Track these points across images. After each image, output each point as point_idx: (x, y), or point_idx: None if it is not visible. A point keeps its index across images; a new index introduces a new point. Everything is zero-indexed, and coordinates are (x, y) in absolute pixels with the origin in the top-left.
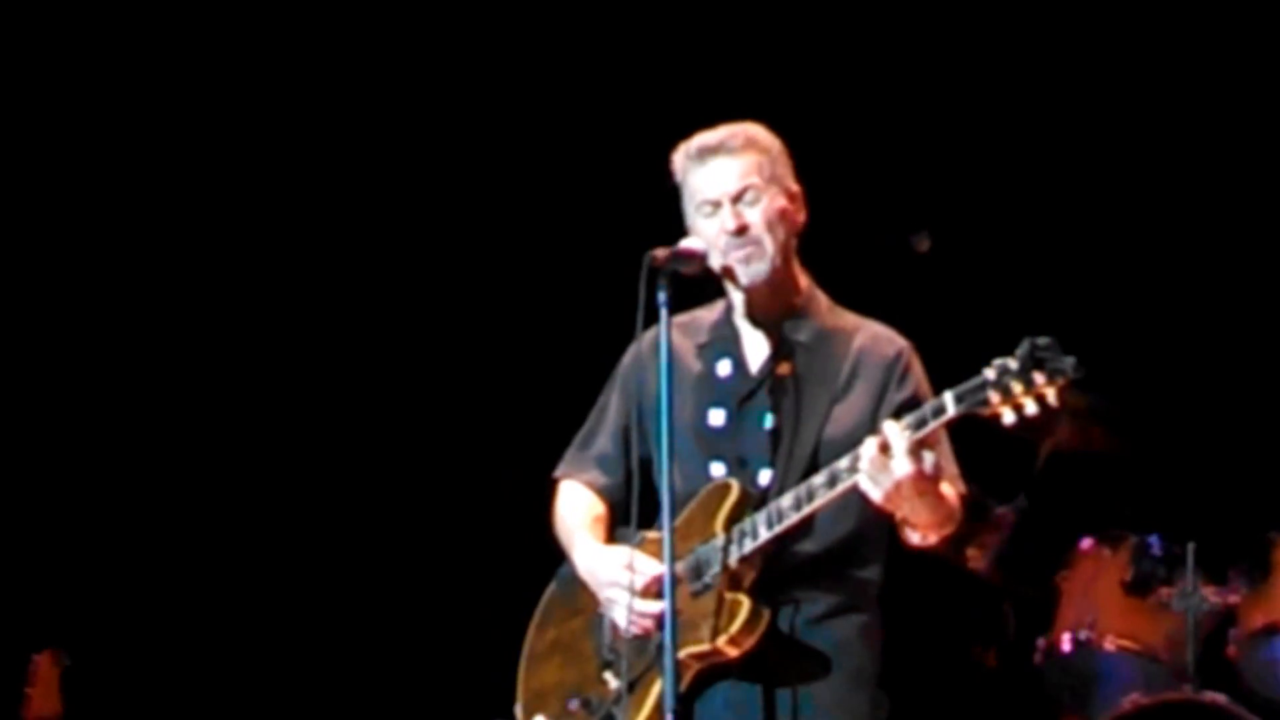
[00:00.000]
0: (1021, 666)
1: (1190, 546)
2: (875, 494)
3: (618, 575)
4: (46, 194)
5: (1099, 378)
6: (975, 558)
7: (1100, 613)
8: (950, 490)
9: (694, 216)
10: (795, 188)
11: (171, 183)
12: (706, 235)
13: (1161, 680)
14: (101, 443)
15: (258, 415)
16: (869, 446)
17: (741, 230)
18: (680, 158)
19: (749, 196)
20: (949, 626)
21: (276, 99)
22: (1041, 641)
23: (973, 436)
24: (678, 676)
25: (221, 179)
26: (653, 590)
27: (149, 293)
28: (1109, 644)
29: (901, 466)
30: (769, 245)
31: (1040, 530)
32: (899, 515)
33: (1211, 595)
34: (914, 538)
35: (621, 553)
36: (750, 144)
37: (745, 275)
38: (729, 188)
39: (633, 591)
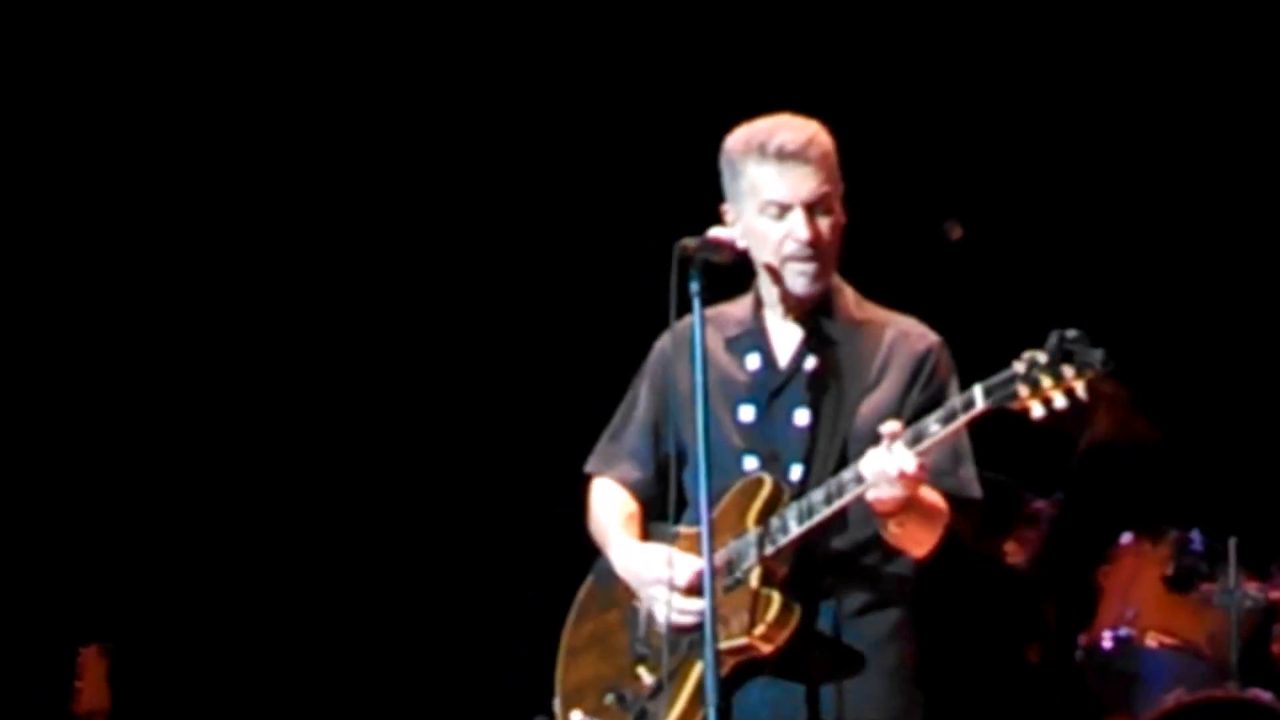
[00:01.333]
0: (1063, 663)
1: (1232, 541)
2: (878, 497)
3: (659, 571)
4: (47, 194)
5: (1139, 369)
6: (1014, 553)
7: (1142, 609)
8: (936, 497)
9: (750, 211)
10: (841, 188)
11: (172, 183)
12: (766, 235)
13: (1204, 677)
14: (145, 440)
15: (301, 409)
16: (879, 455)
17: (815, 241)
18: (744, 148)
19: (821, 208)
20: (989, 623)
21: (282, 102)
22: (1083, 638)
23: (1011, 430)
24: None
25: (225, 179)
26: (695, 586)
27: (179, 292)
28: (1151, 641)
29: (909, 466)
30: (830, 258)
31: (1080, 525)
32: (892, 530)
33: (1254, 591)
34: (909, 553)
35: (660, 550)
36: (825, 153)
37: (806, 289)
38: (806, 197)
39: (674, 588)
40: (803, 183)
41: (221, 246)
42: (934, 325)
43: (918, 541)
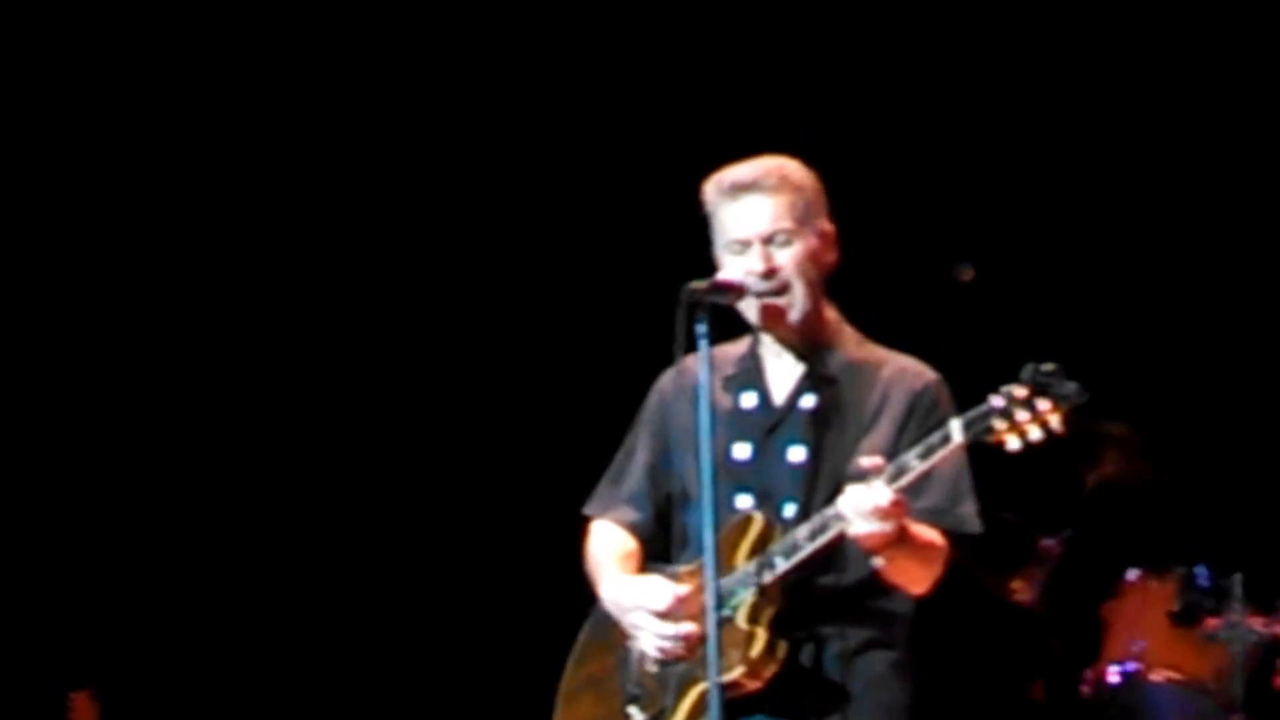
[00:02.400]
0: (1068, 699)
1: (1237, 577)
2: (860, 534)
3: (640, 600)
4: (47, 194)
5: (1143, 408)
6: (1021, 589)
7: (1147, 644)
8: (932, 533)
9: (723, 252)
10: (828, 227)
11: (178, 183)
12: (734, 274)
13: (1210, 712)
14: (136, 485)
15: (290, 450)
16: (860, 493)
17: (770, 273)
18: (712, 190)
19: (779, 239)
20: (996, 659)
21: (283, 109)
22: (1089, 673)
23: (1019, 470)
24: (705, 708)
25: (225, 179)
26: (675, 613)
27: (172, 309)
28: (1156, 675)
29: (882, 500)
30: (798, 289)
31: (1086, 561)
32: (875, 562)
33: (1259, 626)
34: (906, 590)
35: (645, 580)
36: (784, 183)
37: (775, 323)
38: (760, 228)
39: (654, 614)
40: (755, 215)
41: (212, 254)
42: (944, 365)
43: (913, 579)
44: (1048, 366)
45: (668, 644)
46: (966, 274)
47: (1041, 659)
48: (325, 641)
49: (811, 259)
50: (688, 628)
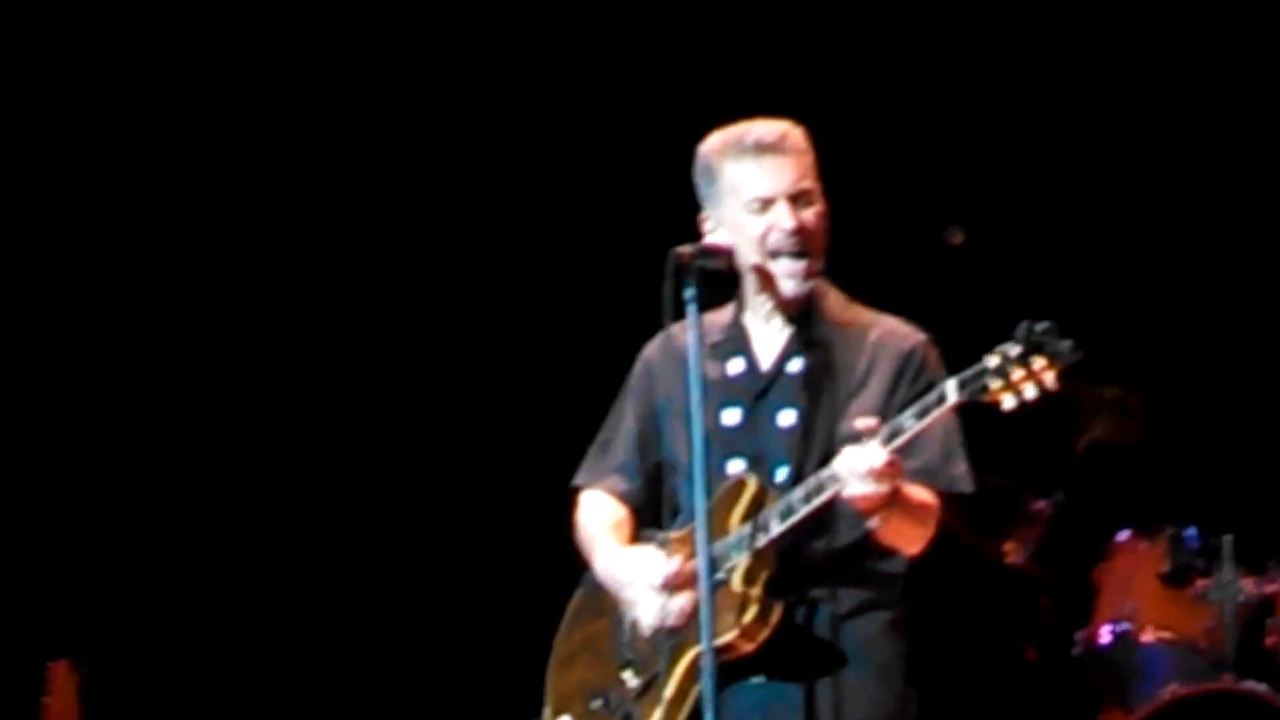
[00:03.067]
0: (1060, 660)
1: (1227, 538)
2: (855, 495)
3: (635, 574)
4: (46, 194)
5: (1134, 370)
6: (1013, 552)
7: (1138, 605)
8: (925, 493)
9: (734, 210)
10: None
11: (175, 183)
12: (750, 232)
13: (1201, 671)
14: (115, 452)
15: (277, 425)
16: (854, 455)
17: (800, 230)
18: (720, 149)
19: (804, 199)
20: (988, 621)
21: (280, 102)
22: (1080, 634)
23: (1009, 431)
24: (699, 672)
25: (227, 182)
26: (670, 586)
27: (160, 300)
28: (1148, 636)
29: (876, 461)
30: (817, 249)
31: (1078, 523)
32: (870, 523)
33: (1249, 586)
34: (901, 551)
35: (640, 552)
36: (801, 145)
37: (795, 288)
38: (787, 187)
39: (651, 588)
40: (783, 174)
41: (196, 258)
42: (934, 328)
43: (907, 539)
44: (1042, 325)
45: (667, 616)
46: (957, 237)
47: (1033, 621)
48: (310, 607)
49: (825, 219)
50: (686, 599)
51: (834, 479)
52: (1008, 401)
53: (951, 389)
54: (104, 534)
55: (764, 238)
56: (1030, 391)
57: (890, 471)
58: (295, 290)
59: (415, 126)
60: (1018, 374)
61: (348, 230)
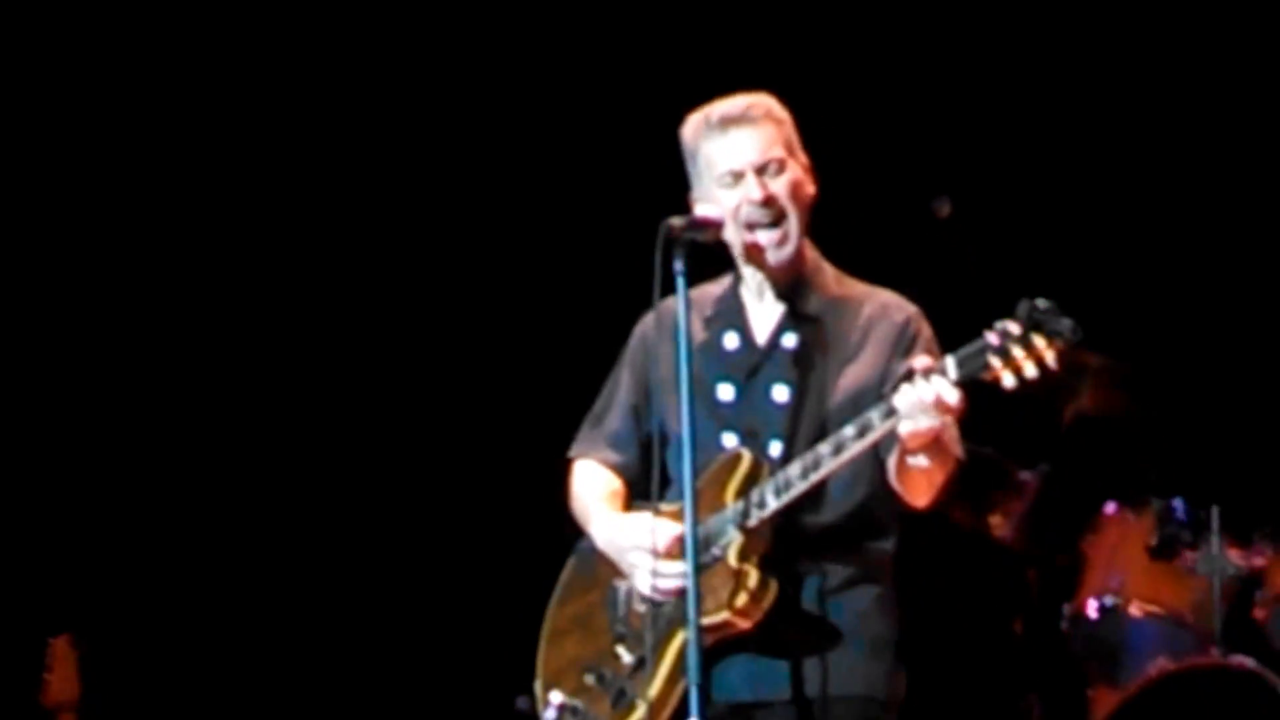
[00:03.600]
0: (1047, 633)
1: (1215, 510)
2: (914, 429)
3: (639, 539)
4: (46, 194)
5: (1122, 340)
6: (999, 525)
7: (1126, 578)
8: (955, 441)
9: (711, 187)
10: (805, 159)
11: (171, 182)
12: (726, 206)
13: (1188, 644)
14: (116, 430)
15: (269, 397)
16: (920, 387)
17: (769, 200)
18: (695, 128)
19: (772, 168)
20: (975, 594)
21: (264, 93)
22: (1067, 608)
23: (996, 402)
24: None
25: (215, 177)
26: (675, 552)
27: (151, 287)
28: (1135, 609)
29: (949, 395)
30: (793, 217)
31: (1064, 496)
32: (912, 458)
33: (1237, 558)
34: (917, 497)
35: (641, 518)
36: (769, 115)
37: (774, 257)
38: (753, 158)
39: (655, 554)
40: (748, 145)
41: (186, 246)
42: (920, 301)
43: (931, 484)
44: (1043, 303)
45: (670, 584)
46: (943, 209)
47: (1019, 594)
48: (304, 581)
49: (801, 189)
50: (682, 568)
51: (889, 413)
52: (1008, 380)
53: (951, 366)
54: (103, 510)
55: (737, 211)
56: (1030, 370)
57: (958, 403)
58: (280, 267)
59: (400, 103)
60: (1018, 352)
61: (334, 204)
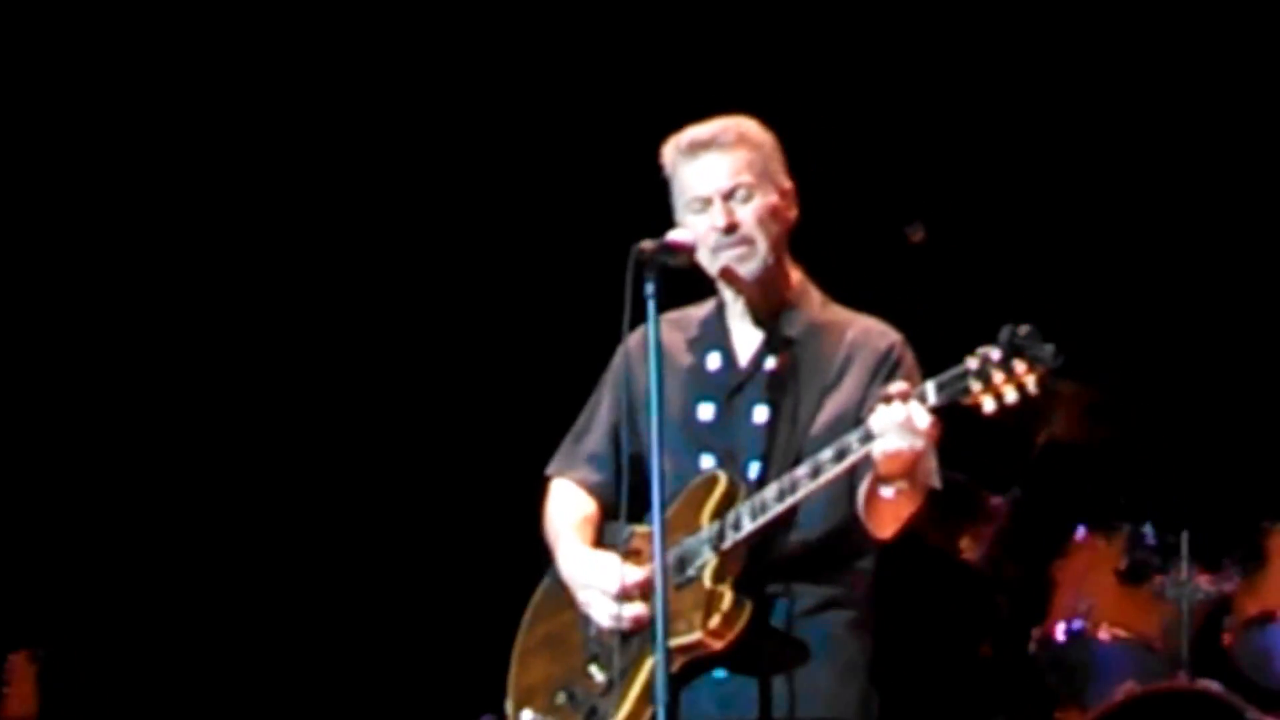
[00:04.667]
0: (1016, 657)
1: (1184, 535)
2: (891, 451)
3: (594, 579)
4: (46, 194)
5: (1094, 368)
6: (969, 548)
7: (1095, 602)
8: (932, 471)
9: (683, 212)
10: (787, 184)
11: (157, 186)
12: (697, 232)
13: (1156, 669)
14: (72, 444)
15: (235, 413)
16: (896, 409)
17: (732, 228)
18: (670, 152)
19: (740, 194)
20: (944, 618)
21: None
22: (1036, 631)
23: (967, 427)
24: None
25: (202, 179)
26: (633, 595)
27: (118, 288)
28: (1103, 633)
29: (920, 419)
30: (761, 243)
31: (1035, 520)
32: (884, 487)
33: (1206, 584)
34: (881, 528)
35: (603, 559)
36: (742, 139)
37: (743, 271)
38: (720, 184)
39: (612, 597)
40: (714, 171)
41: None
42: (897, 325)
43: (897, 517)
44: (1024, 329)
45: (625, 625)
46: (917, 234)
47: (989, 617)
48: (270, 596)
49: (772, 214)
50: (640, 609)
51: (865, 438)
52: (988, 405)
53: (931, 391)
54: (61, 525)
55: (706, 236)
56: (1011, 395)
57: (930, 426)
58: (260, 279)
59: (385, 123)
60: (998, 377)
61: (315, 221)
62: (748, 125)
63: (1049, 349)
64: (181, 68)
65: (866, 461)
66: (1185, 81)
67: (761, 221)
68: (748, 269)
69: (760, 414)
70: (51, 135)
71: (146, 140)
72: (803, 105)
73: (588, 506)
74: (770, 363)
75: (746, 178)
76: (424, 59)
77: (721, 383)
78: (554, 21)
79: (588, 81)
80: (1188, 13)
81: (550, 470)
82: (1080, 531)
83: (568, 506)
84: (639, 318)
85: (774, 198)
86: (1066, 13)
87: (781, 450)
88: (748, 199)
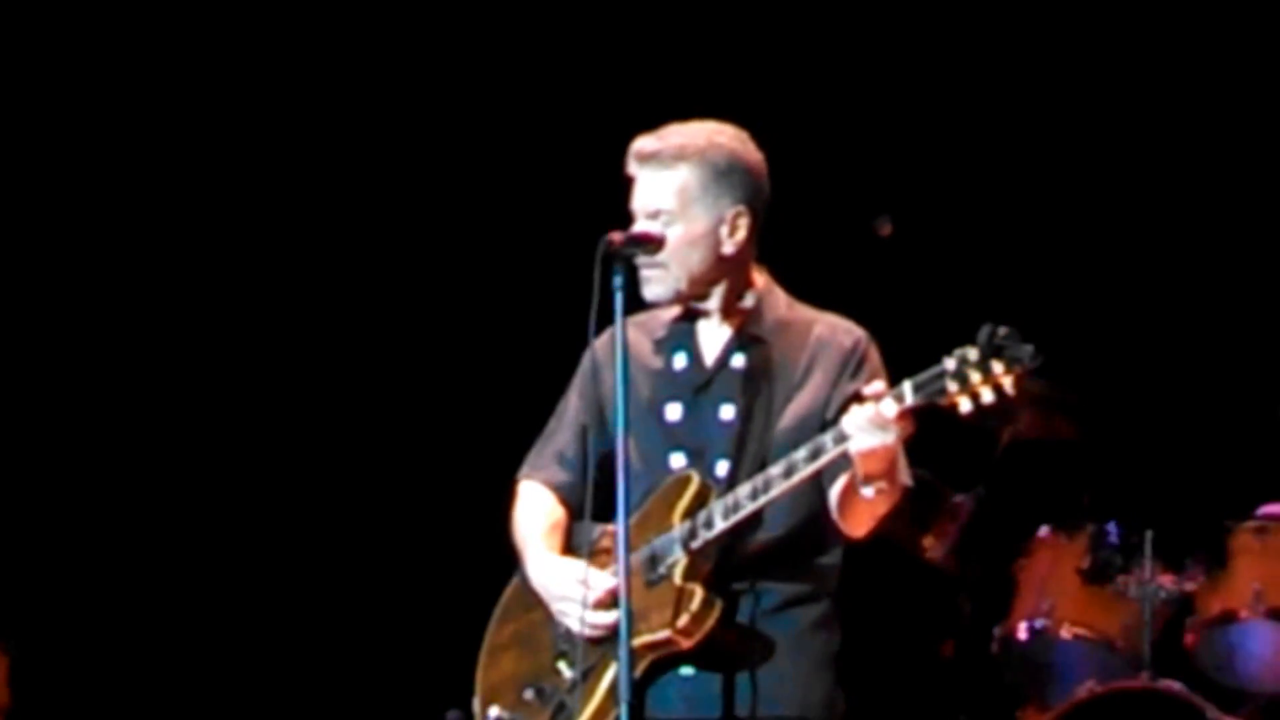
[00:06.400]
0: (978, 655)
1: (1148, 535)
2: (865, 449)
3: (568, 590)
4: (46, 194)
5: (1058, 366)
6: (932, 547)
7: (1057, 601)
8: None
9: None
10: (730, 210)
11: (132, 189)
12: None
13: (1118, 668)
14: (39, 437)
15: (201, 408)
16: (867, 408)
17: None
18: (629, 153)
19: (663, 218)
20: (905, 616)
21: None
22: (998, 630)
23: (932, 426)
24: (634, 665)
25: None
26: (604, 603)
27: (83, 282)
28: (1066, 632)
29: (890, 411)
30: (674, 269)
31: (998, 519)
32: (865, 487)
33: (1168, 583)
34: (856, 528)
35: (573, 566)
36: (681, 158)
37: (647, 291)
38: (645, 204)
39: (584, 605)
40: (644, 189)
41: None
42: (862, 322)
43: (873, 516)
44: (1004, 329)
45: (597, 632)
46: (885, 229)
47: (952, 616)
48: (239, 592)
49: (691, 244)
50: (612, 617)
51: (839, 438)
52: (965, 405)
53: (908, 391)
54: (31, 519)
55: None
56: (988, 396)
57: (901, 421)
58: (225, 276)
59: (349, 122)
60: (976, 378)
61: (284, 225)
62: (701, 140)
63: (1028, 350)
64: (156, 70)
65: (837, 462)
66: (1150, 77)
67: (677, 250)
68: (652, 291)
69: (727, 412)
70: (52, 135)
71: (145, 140)
72: (771, 100)
73: (555, 511)
74: (736, 361)
75: (670, 204)
76: (387, 54)
77: (688, 382)
78: (518, 16)
79: (556, 76)
80: (1154, 6)
81: (521, 473)
82: (1043, 530)
83: (535, 512)
84: (607, 309)
85: (699, 226)
86: (1034, 8)
87: (749, 448)
88: (669, 224)
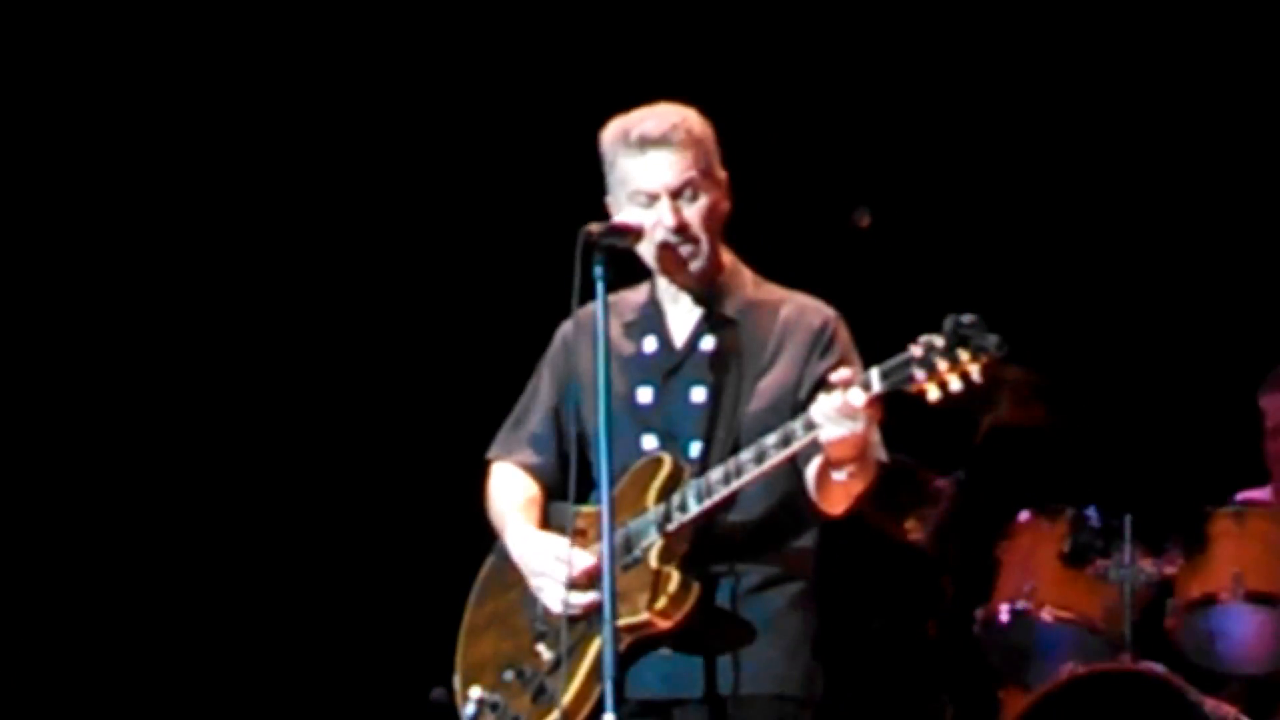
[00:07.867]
0: (960, 638)
1: (1128, 518)
2: (834, 437)
3: (548, 566)
4: (46, 194)
5: (1038, 352)
6: (914, 530)
7: (1038, 584)
8: (879, 447)
9: (624, 200)
10: (723, 175)
11: (125, 192)
12: (640, 222)
13: (1098, 650)
14: (30, 436)
15: (183, 400)
16: (834, 397)
17: (682, 228)
18: (614, 140)
19: (688, 193)
20: (889, 598)
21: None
22: (979, 612)
23: (912, 410)
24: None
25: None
26: (582, 582)
27: (71, 285)
28: (1046, 615)
29: (858, 401)
30: (705, 242)
31: (979, 503)
32: (836, 471)
33: (1149, 566)
34: (833, 506)
35: (554, 542)
36: (689, 137)
37: (692, 266)
38: (669, 183)
39: (564, 584)
40: (665, 169)
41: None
42: (840, 307)
43: (849, 494)
44: (968, 318)
45: (576, 611)
46: (863, 219)
47: (934, 598)
48: (223, 577)
49: (713, 211)
50: (591, 597)
51: (808, 426)
52: (932, 393)
53: (875, 378)
54: (29, 519)
55: (653, 230)
56: (955, 384)
57: (870, 409)
58: (205, 269)
59: (326, 116)
60: (942, 365)
61: (259, 217)
62: (693, 121)
63: (994, 338)
64: (150, 70)
65: (811, 446)
66: (1124, 67)
67: (706, 220)
68: (695, 266)
69: (698, 394)
70: (52, 135)
71: (144, 140)
72: (749, 90)
73: (531, 489)
74: (706, 343)
75: (694, 175)
76: (363, 48)
77: (658, 364)
78: (491, 7)
79: (527, 66)
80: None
81: (490, 454)
82: (1024, 514)
83: (511, 488)
84: (586, 299)
85: (715, 194)
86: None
87: (720, 429)
88: (694, 198)
